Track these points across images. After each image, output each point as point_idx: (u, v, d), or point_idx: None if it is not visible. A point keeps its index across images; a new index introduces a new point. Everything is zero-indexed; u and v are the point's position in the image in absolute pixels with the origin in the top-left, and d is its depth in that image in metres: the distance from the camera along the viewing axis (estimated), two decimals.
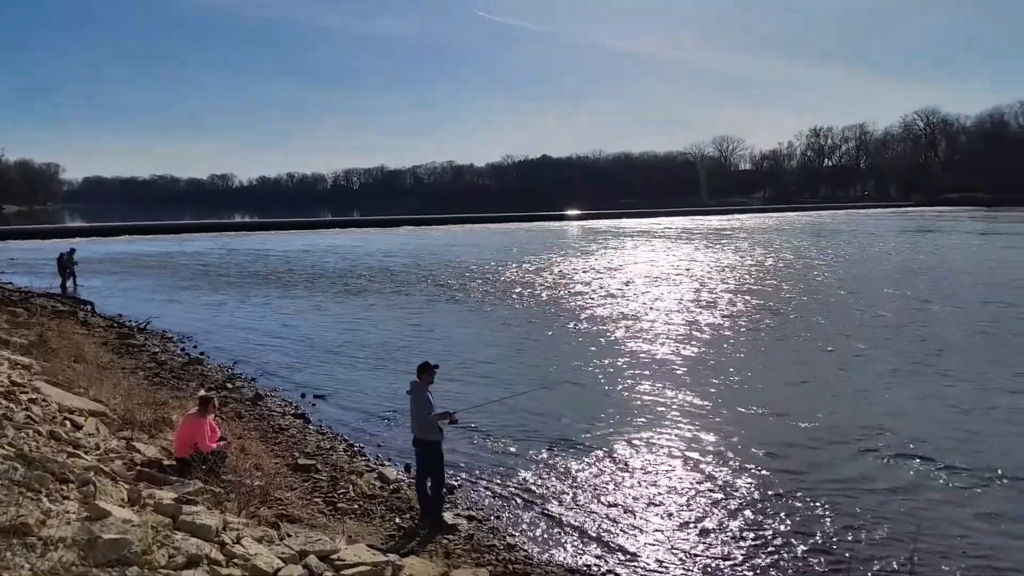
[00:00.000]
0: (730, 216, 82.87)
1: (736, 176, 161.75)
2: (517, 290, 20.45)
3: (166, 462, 7.24)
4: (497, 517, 6.77)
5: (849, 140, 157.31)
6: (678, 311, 16.45)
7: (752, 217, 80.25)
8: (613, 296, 18.82)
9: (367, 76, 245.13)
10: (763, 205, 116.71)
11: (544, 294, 19.54)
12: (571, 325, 15.08)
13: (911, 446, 7.78)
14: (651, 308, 16.90)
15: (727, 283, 21.14)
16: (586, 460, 7.76)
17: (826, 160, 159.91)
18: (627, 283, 21.40)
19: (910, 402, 9.43)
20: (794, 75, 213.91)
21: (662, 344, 13.01)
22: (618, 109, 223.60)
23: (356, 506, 7.06)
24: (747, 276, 22.95)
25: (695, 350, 12.52)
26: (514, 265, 27.19)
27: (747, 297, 18.35)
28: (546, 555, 5.96)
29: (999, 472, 7.01)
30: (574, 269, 25.49)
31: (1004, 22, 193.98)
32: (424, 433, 6.81)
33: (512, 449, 8.23)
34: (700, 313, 16.15)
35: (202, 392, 8.32)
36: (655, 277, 22.84)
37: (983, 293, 18.87)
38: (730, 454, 7.70)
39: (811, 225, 60.38)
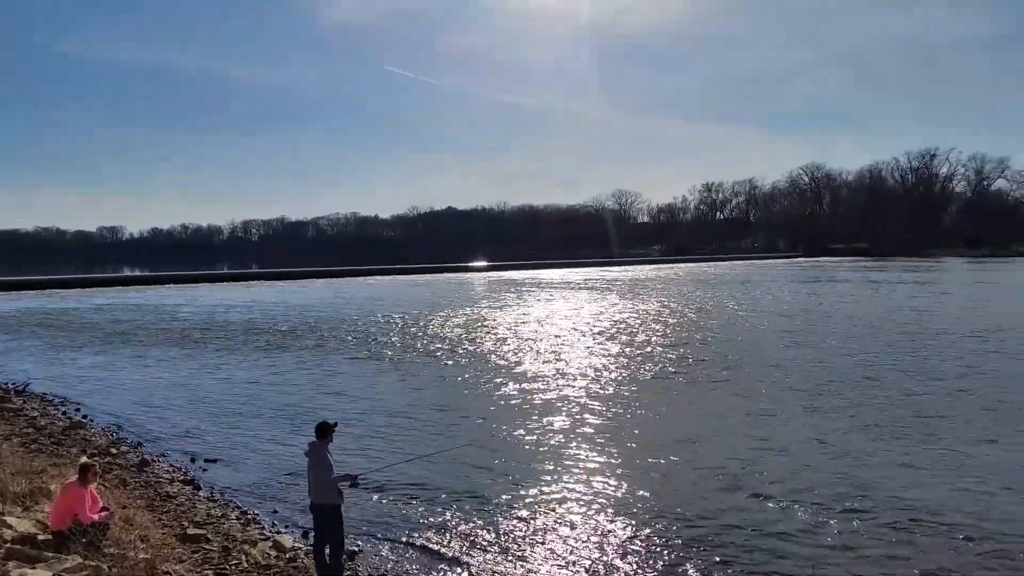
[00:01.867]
0: (632, 267, 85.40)
1: (635, 229, 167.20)
2: (422, 344, 20.32)
3: (41, 537, 6.72)
4: None
5: (739, 194, 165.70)
6: (584, 362, 16.68)
7: (652, 268, 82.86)
8: (520, 348, 18.95)
9: (269, 125, 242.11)
10: (661, 257, 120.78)
11: (451, 348, 19.48)
12: (479, 379, 15.04)
13: (803, 490, 8.02)
14: (558, 359, 17.07)
15: (631, 334, 21.64)
16: (493, 518, 7.66)
17: (719, 213, 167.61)
18: (534, 335, 21.59)
19: (804, 446, 9.76)
20: (688, 133, 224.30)
21: (568, 397, 13.11)
22: (522, 162, 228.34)
23: None
24: (650, 326, 23.58)
25: (601, 402, 12.67)
26: (419, 318, 27.06)
27: (648, 347, 18.82)
28: None
29: (886, 512, 7.31)
30: (480, 321, 25.56)
31: (879, 84, 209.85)
32: (323, 497, 6.53)
33: (416, 510, 8.04)
34: (606, 363, 16.41)
35: (83, 459, 7.80)
36: (562, 328, 23.16)
37: (874, 337, 19.97)
38: (636, 506, 7.75)
39: (706, 275, 62.82)
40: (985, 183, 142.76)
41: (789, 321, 25.18)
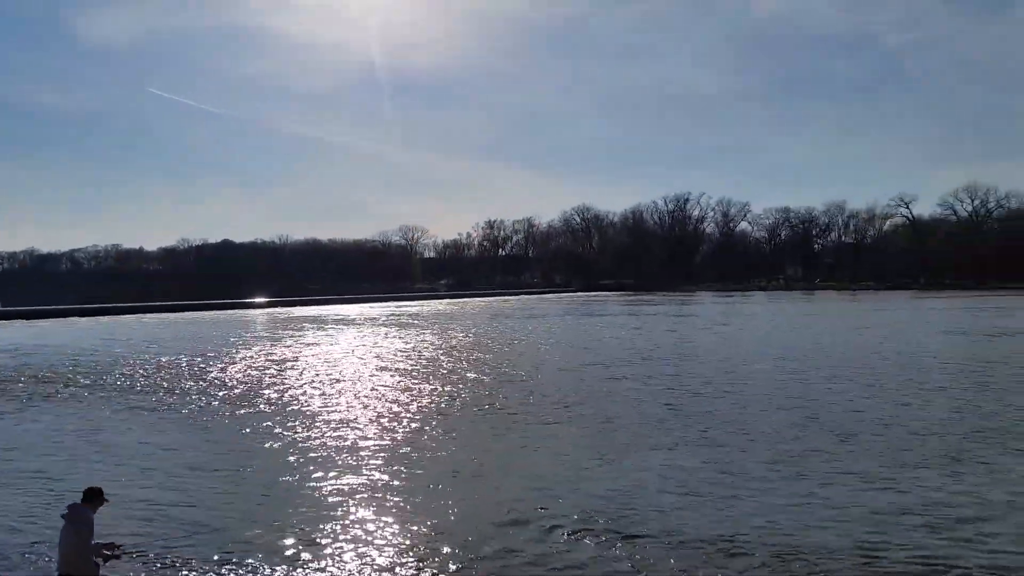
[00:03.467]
0: (421, 302, 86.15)
1: (422, 264, 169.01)
2: (203, 388, 19.17)
3: None
4: None
5: (519, 232, 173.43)
6: (370, 398, 16.63)
7: (441, 303, 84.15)
8: (305, 388, 18.51)
9: (16, 148, 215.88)
10: (449, 292, 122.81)
11: (227, 391, 18.54)
12: (258, 422, 14.39)
13: (590, 519, 8.37)
14: (343, 397, 16.86)
15: (419, 368, 21.92)
16: (271, 571, 7.28)
17: (500, 250, 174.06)
18: (317, 374, 21.18)
19: (586, 474, 10.28)
20: (471, 170, 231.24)
21: (354, 434, 12.97)
22: (306, 195, 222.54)
23: None
24: (436, 360, 24.01)
25: (383, 438, 12.64)
26: (197, 360, 25.51)
27: (435, 381, 19.16)
28: None
29: (672, 534, 7.87)
30: (267, 361, 24.59)
31: (644, 130, 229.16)
32: (75, 567, 5.94)
33: (180, 574, 7.34)
34: (400, 399, 16.45)
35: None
36: (347, 365, 22.90)
37: (656, 365, 21.78)
38: (421, 546, 7.77)
39: (495, 308, 64.95)
40: (731, 225, 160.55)
41: (580, 351, 26.75)
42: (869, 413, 14.26)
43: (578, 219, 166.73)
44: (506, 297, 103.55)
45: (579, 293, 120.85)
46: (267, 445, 12.35)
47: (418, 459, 11.30)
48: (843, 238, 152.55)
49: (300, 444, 12.27)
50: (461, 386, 18.46)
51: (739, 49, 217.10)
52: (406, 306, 75.83)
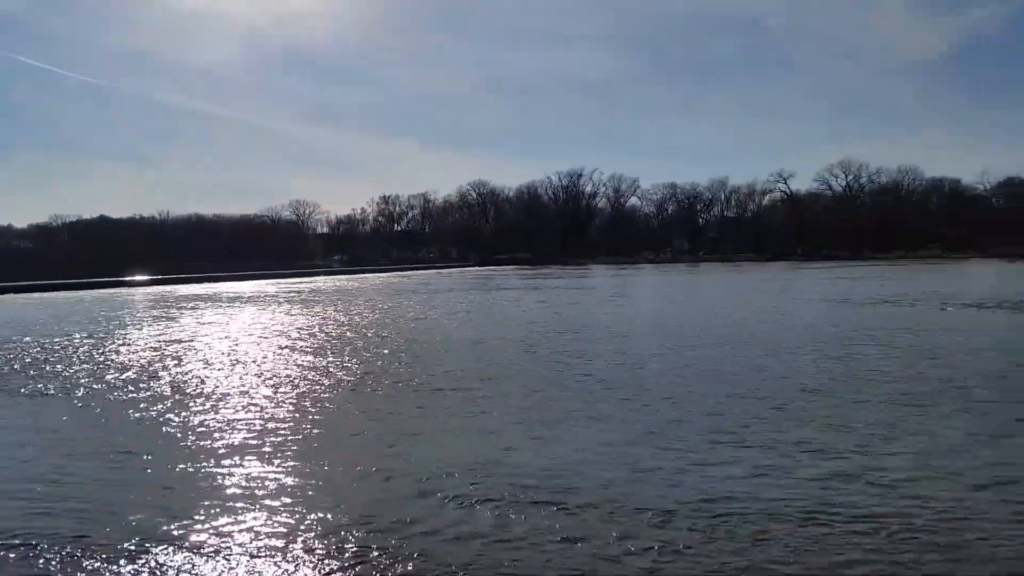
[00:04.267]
0: (315, 279, 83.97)
1: (315, 239, 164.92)
2: (74, 369, 17.88)
3: None
4: None
5: (415, 207, 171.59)
6: (274, 377, 15.95)
7: (335, 279, 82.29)
8: (204, 369, 17.58)
9: None
10: (344, 268, 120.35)
11: (119, 373, 17.34)
12: (154, 406, 13.48)
13: (522, 493, 8.19)
14: (245, 377, 16.08)
15: (326, 345, 21.29)
16: (168, 560, 6.61)
17: (396, 225, 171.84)
18: (216, 353, 20.19)
19: (516, 448, 10.13)
20: (363, 146, 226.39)
21: (258, 414, 12.37)
22: (188, 170, 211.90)
23: None
24: (342, 337, 23.42)
25: (289, 417, 11.95)
26: (72, 340, 23.86)
27: (343, 358, 18.67)
28: None
29: (574, 497, 7.95)
30: (154, 341, 23.26)
31: (536, 110, 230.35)
32: None
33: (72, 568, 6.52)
34: (298, 378, 15.86)
35: None
36: (248, 344, 21.99)
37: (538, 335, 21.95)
38: (326, 521, 7.38)
39: (393, 284, 64.09)
40: (622, 200, 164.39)
41: (492, 326, 26.71)
42: (796, 378, 14.86)
43: (474, 194, 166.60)
44: (404, 273, 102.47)
45: (476, 268, 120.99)
46: (164, 429, 11.50)
47: (329, 438, 10.82)
48: (726, 213, 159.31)
49: (200, 427, 11.50)
50: (373, 362, 18.06)
51: (623, 30, 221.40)
52: (302, 282, 73.75)
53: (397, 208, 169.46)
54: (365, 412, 12.47)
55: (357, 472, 9.04)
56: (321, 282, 74.47)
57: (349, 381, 15.38)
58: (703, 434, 10.32)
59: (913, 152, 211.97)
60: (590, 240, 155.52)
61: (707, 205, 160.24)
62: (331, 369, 16.98)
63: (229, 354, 19.77)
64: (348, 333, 24.71)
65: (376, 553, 6.58)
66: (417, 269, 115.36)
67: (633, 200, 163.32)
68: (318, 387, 14.70)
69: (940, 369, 15.21)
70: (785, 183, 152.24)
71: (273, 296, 49.15)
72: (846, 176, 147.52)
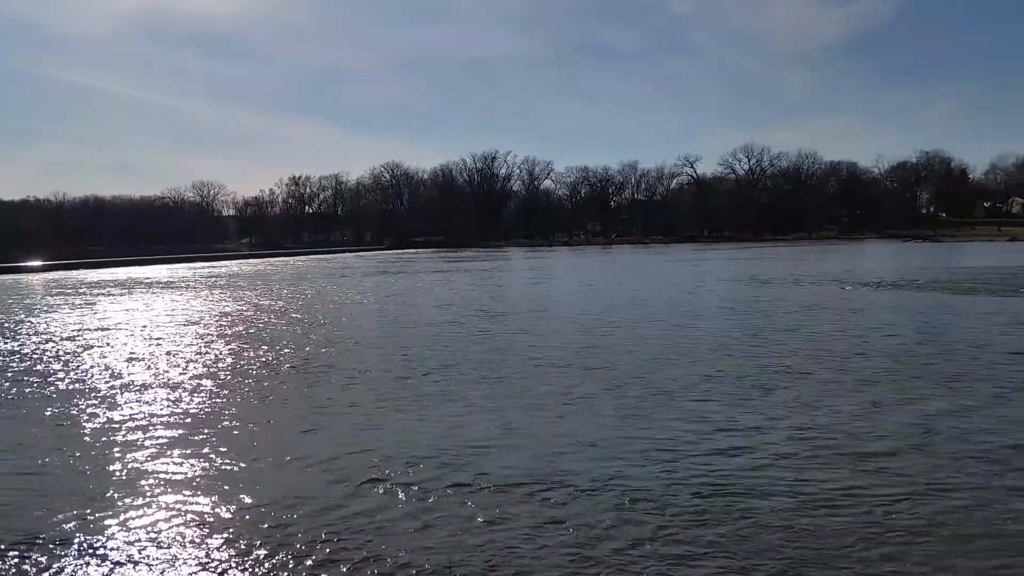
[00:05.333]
0: (222, 263, 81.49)
1: (221, 222, 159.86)
2: None
3: None
4: None
5: (327, 189, 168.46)
6: (176, 368, 15.18)
7: (244, 263, 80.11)
8: (117, 359, 16.97)
9: None
10: (252, 251, 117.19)
11: (22, 366, 16.56)
12: (66, 400, 12.91)
13: (412, 471, 8.24)
14: (157, 370, 15.25)
15: (246, 332, 20.89)
16: (76, 557, 6.25)
17: (307, 207, 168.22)
18: (130, 345, 19.50)
19: (406, 427, 10.20)
20: (268, 125, 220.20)
21: (175, 404, 11.52)
22: (81, 150, 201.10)
23: None
24: (248, 322, 23.01)
25: (198, 409, 11.44)
26: None
27: (252, 345, 18.32)
28: None
29: (483, 478, 7.96)
30: (62, 330, 22.32)
31: (445, 90, 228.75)
32: None
33: None
34: (200, 368, 15.11)
35: None
36: (147, 333, 21.25)
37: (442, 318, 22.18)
38: (245, 514, 7.13)
39: (303, 268, 62.88)
40: (536, 183, 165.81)
41: (426, 308, 26.70)
42: (734, 358, 15.62)
43: (388, 176, 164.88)
44: (321, 256, 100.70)
45: (392, 251, 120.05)
46: (81, 423, 10.83)
47: (254, 428, 10.37)
48: (636, 195, 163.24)
49: (118, 421, 10.68)
50: (302, 348, 17.90)
51: (533, 15, 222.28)
52: (211, 266, 71.46)
53: (308, 190, 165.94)
54: (289, 400, 12.06)
55: (276, 461, 8.74)
56: (236, 266, 72.40)
57: (278, 369, 15.15)
58: (615, 413, 10.82)
59: (812, 137, 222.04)
60: (505, 222, 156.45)
61: (618, 188, 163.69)
62: (253, 355, 16.65)
63: (149, 343, 19.14)
64: (271, 317, 24.34)
65: (295, 542, 6.43)
66: (333, 252, 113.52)
67: (547, 183, 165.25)
68: (248, 377, 14.26)
69: (826, 345, 16.32)
70: (692, 167, 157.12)
71: (189, 281, 47.53)
72: (749, 160, 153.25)
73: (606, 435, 9.40)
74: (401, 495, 7.52)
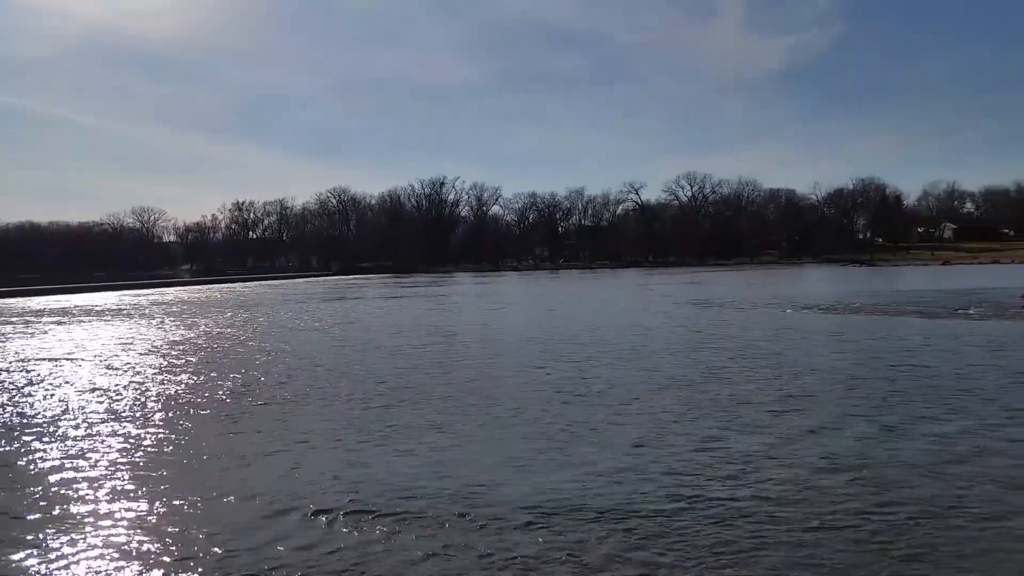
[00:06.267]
0: (165, 289, 79.82)
1: (161, 248, 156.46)
2: None
3: None
4: None
5: (271, 214, 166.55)
6: (116, 399, 14.96)
7: (182, 290, 78.57)
8: (59, 393, 16.57)
9: None
10: (195, 278, 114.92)
11: None
12: (11, 433, 12.52)
13: (355, 501, 8.23)
14: (82, 401, 15.10)
15: (196, 360, 20.70)
16: None
17: (251, 233, 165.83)
18: (68, 374, 19.09)
19: (350, 459, 10.14)
20: (211, 149, 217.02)
21: (113, 443, 11.21)
22: (15, 174, 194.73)
23: None
24: (190, 353, 22.79)
25: (137, 442, 11.17)
26: None
27: (203, 376, 18.17)
28: None
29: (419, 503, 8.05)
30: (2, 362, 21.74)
31: (392, 115, 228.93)
32: None
33: None
34: (167, 400, 15.03)
35: None
36: (101, 363, 20.89)
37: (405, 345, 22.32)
38: (174, 546, 7.04)
39: (247, 295, 61.99)
40: (484, 208, 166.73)
41: (376, 336, 26.69)
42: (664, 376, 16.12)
43: (335, 201, 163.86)
44: (268, 282, 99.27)
45: (339, 277, 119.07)
46: (22, 455, 10.48)
47: (195, 461, 10.11)
48: (583, 221, 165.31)
49: (59, 455, 10.43)
50: (253, 375, 17.83)
51: (480, 42, 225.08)
52: (158, 293, 69.97)
53: (252, 215, 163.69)
54: (231, 431, 11.82)
55: (218, 493, 8.56)
56: (184, 293, 70.95)
57: (231, 399, 15.08)
58: (556, 437, 11.22)
59: (753, 164, 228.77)
60: (454, 248, 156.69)
61: (566, 214, 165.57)
62: (214, 388, 16.55)
63: (105, 373, 18.80)
64: (217, 345, 24.12)
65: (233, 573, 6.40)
66: (277, 278, 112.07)
67: (495, 208, 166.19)
68: (194, 408, 13.81)
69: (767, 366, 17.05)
70: (637, 193, 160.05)
71: (140, 309, 46.46)
72: (692, 187, 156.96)
73: (536, 464, 9.77)
74: (345, 526, 7.46)
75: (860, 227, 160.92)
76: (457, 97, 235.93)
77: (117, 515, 7.96)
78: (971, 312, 29.13)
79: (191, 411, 13.51)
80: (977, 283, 51.52)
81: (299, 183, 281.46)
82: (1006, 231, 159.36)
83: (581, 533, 7.07)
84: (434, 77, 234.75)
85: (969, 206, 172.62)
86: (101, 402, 14.52)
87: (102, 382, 17.02)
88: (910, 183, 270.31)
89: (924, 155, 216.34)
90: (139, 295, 67.48)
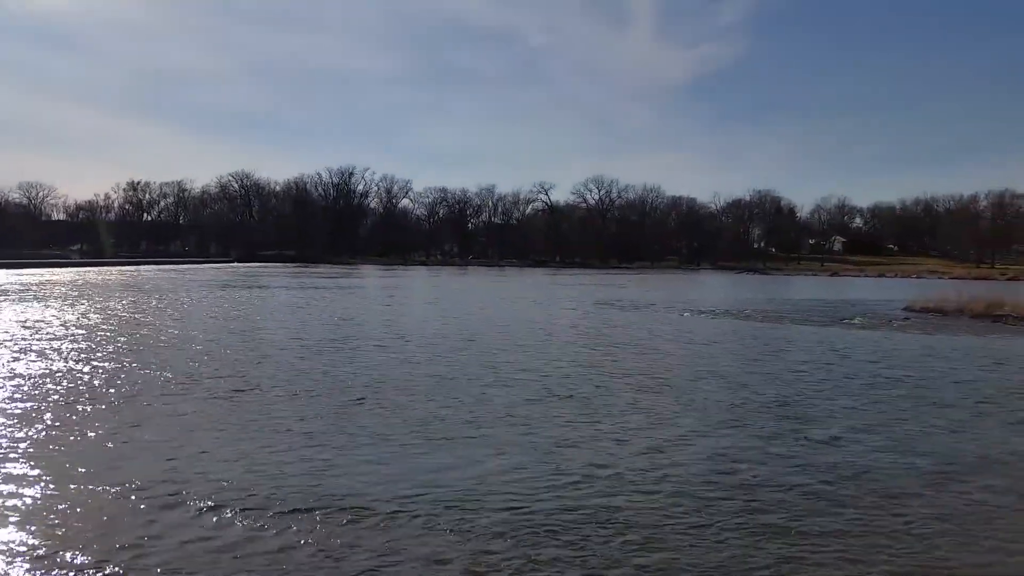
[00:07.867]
0: (52, 270, 75.39)
1: (50, 227, 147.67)
2: None
3: None
4: None
5: (168, 196, 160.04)
6: (19, 382, 14.55)
7: (70, 271, 74.44)
8: None
9: None
10: (84, 259, 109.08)
11: None
12: None
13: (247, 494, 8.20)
14: None
15: (77, 347, 19.72)
16: None
17: (146, 214, 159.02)
18: None
19: (239, 450, 10.10)
20: (105, 125, 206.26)
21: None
22: None
23: None
24: (98, 336, 21.75)
25: (33, 432, 10.67)
26: None
27: (102, 360, 17.44)
28: None
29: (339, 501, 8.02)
30: None
31: (300, 100, 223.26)
32: None
33: None
34: (49, 383, 14.57)
35: None
36: None
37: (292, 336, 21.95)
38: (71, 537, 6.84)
39: (140, 279, 59.31)
40: (394, 201, 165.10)
41: (235, 325, 26.01)
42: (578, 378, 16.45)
43: (236, 185, 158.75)
44: (157, 267, 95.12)
45: (239, 264, 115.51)
46: None
47: (79, 452, 9.69)
48: (493, 219, 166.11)
49: None
50: (148, 365, 17.17)
51: (393, 31, 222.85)
52: (35, 274, 65.85)
53: (148, 196, 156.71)
54: (115, 423, 11.19)
55: (101, 488, 8.11)
56: (59, 274, 67.09)
57: (115, 388, 14.54)
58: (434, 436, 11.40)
59: (657, 170, 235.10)
60: (361, 239, 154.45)
61: (476, 211, 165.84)
62: (86, 370, 15.87)
63: None
64: (107, 330, 23.04)
65: (116, 569, 6.15)
66: (172, 263, 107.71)
67: (405, 202, 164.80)
68: (82, 397, 13.39)
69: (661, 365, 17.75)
70: (546, 194, 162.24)
71: (32, 290, 43.63)
72: (599, 191, 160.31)
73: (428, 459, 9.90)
74: (230, 521, 7.21)
75: (755, 236, 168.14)
76: (371, 87, 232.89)
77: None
78: (855, 322, 30.97)
79: (88, 401, 12.86)
80: (863, 295, 54.78)
81: (199, 166, 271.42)
82: (891, 246, 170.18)
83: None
84: (348, 64, 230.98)
85: (858, 221, 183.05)
86: None
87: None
88: (804, 196, 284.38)
89: (818, 170, 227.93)
90: (25, 274, 63.44)
